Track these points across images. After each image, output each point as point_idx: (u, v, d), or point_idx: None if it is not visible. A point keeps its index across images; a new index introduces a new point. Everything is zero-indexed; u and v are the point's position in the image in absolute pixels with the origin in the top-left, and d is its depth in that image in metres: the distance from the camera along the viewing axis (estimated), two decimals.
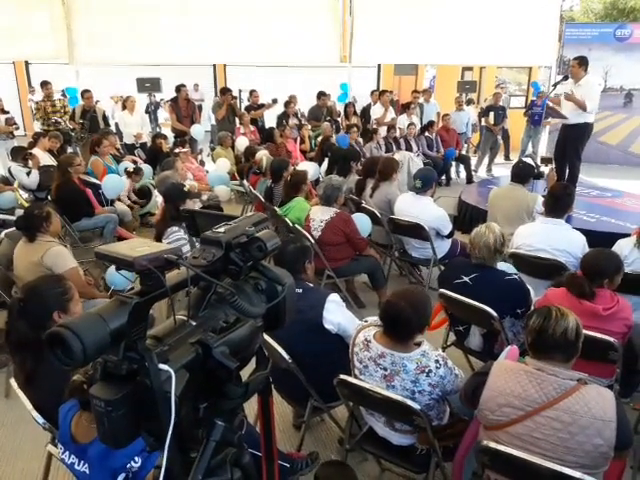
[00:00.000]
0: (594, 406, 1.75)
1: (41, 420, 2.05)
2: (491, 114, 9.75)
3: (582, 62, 5.82)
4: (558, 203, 3.68)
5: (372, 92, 10.70)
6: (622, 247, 3.31)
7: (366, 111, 9.88)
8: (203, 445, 0.91)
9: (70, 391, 1.67)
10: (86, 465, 1.67)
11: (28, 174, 5.88)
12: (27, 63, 14.95)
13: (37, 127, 8.12)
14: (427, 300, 2.22)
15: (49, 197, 5.46)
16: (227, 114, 8.82)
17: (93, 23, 8.24)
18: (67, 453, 1.74)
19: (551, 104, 6.25)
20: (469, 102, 11.37)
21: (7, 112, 8.12)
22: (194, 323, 0.92)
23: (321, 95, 9.45)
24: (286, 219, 4.56)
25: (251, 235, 0.98)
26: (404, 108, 9.87)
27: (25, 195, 5.97)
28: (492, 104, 10.00)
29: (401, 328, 2.14)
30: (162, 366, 0.81)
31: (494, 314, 2.76)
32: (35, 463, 2.64)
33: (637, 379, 3.03)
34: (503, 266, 3.32)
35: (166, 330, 0.89)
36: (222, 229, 0.99)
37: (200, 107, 12.23)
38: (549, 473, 1.68)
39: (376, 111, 9.50)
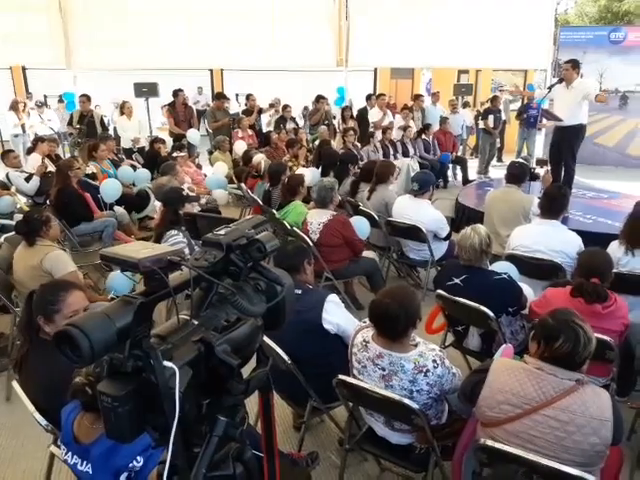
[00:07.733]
0: (591, 405, 1.77)
1: (44, 422, 2.05)
2: (490, 117, 9.79)
3: (575, 65, 5.83)
4: (553, 204, 3.72)
5: (367, 97, 10.63)
6: (615, 248, 3.34)
7: (363, 114, 9.90)
8: (206, 440, 0.93)
9: (72, 393, 1.69)
10: (89, 465, 1.69)
11: (27, 179, 5.90)
12: (24, 69, 14.96)
13: None
14: (413, 295, 2.25)
15: (48, 202, 5.47)
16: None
17: (90, 28, 8.30)
18: (70, 454, 1.75)
19: (546, 106, 6.29)
20: (465, 105, 11.42)
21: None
22: (196, 322, 0.95)
23: (319, 98, 9.48)
24: (284, 222, 4.59)
25: (251, 237, 1.01)
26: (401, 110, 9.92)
27: (24, 200, 5.98)
28: (490, 107, 10.05)
29: (391, 325, 2.16)
30: (166, 363, 0.84)
31: (490, 314, 2.78)
32: (37, 464, 2.66)
33: (634, 378, 3.05)
34: (504, 266, 3.34)
35: (170, 329, 0.92)
36: (223, 231, 1.01)
37: (205, 111, 12.21)
38: (547, 471, 1.70)
39: (374, 115, 9.53)
